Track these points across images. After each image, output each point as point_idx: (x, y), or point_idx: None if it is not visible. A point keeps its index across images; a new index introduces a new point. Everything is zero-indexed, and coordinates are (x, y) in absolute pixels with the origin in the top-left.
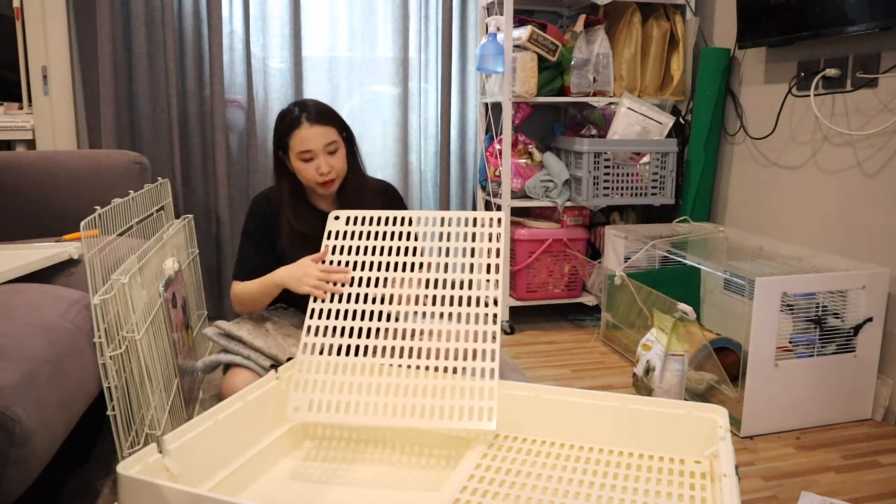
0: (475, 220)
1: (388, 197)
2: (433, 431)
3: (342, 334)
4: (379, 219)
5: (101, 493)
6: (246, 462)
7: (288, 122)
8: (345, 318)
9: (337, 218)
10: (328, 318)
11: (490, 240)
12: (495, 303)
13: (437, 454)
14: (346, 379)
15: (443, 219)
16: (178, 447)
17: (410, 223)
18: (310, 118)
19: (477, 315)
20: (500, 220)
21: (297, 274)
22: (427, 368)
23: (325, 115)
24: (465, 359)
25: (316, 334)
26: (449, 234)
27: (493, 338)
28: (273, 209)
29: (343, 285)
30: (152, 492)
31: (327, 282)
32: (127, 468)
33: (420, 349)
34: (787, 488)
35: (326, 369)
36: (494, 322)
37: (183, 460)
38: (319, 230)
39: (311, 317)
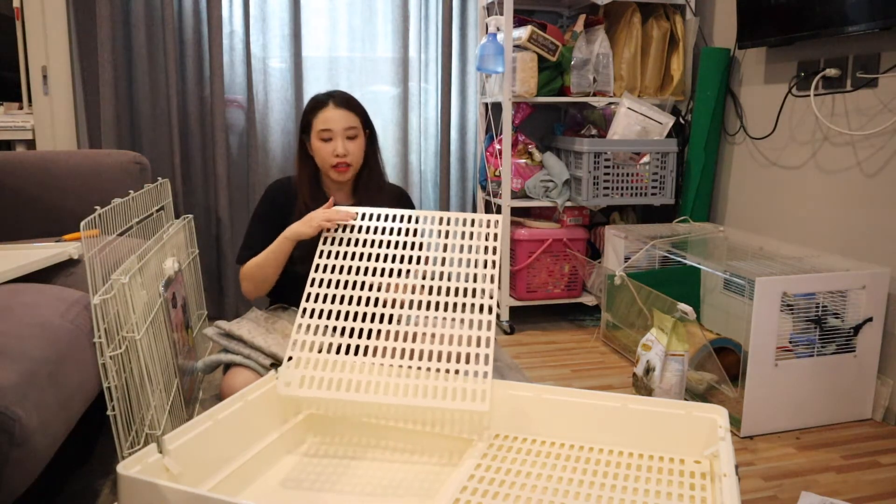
0: (473, 220)
1: (400, 202)
2: (433, 432)
3: (334, 333)
4: (378, 216)
5: (101, 493)
6: (246, 462)
7: (314, 103)
8: (337, 318)
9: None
10: (320, 317)
11: (487, 239)
12: (490, 310)
13: (437, 454)
14: (340, 358)
15: (441, 218)
16: (178, 447)
17: (409, 221)
18: (336, 102)
19: (472, 320)
20: (497, 222)
21: (304, 220)
22: (419, 369)
23: (350, 103)
24: (458, 359)
25: (307, 332)
26: (447, 232)
27: (487, 344)
28: (287, 197)
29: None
30: (152, 492)
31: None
32: (127, 468)
33: (413, 350)
34: (787, 488)
35: (319, 364)
36: (489, 328)
37: (183, 460)
38: None
39: (303, 315)
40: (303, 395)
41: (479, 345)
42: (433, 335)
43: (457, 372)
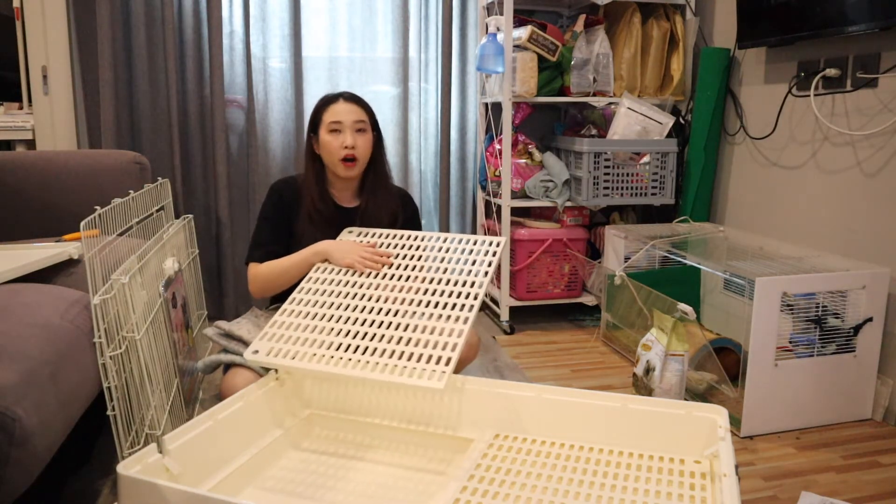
0: (475, 241)
1: (404, 203)
2: (434, 433)
3: (314, 318)
4: (388, 234)
5: (101, 493)
6: (246, 462)
7: (324, 100)
8: (321, 306)
9: (350, 232)
10: (306, 305)
11: (485, 255)
12: (474, 296)
13: (437, 454)
14: (312, 336)
15: (445, 238)
16: (178, 447)
17: (416, 239)
18: (346, 98)
19: (451, 314)
20: (499, 243)
21: (343, 248)
22: (389, 340)
23: (360, 100)
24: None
25: (289, 315)
26: (448, 248)
27: (465, 321)
28: (292, 196)
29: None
30: (152, 492)
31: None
32: (127, 468)
33: (387, 339)
34: (787, 488)
35: (290, 339)
36: (470, 309)
37: (183, 460)
38: (337, 220)
39: (291, 303)
40: (266, 361)
41: (452, 334)
42: (404, 334)
43: (424, 364)
